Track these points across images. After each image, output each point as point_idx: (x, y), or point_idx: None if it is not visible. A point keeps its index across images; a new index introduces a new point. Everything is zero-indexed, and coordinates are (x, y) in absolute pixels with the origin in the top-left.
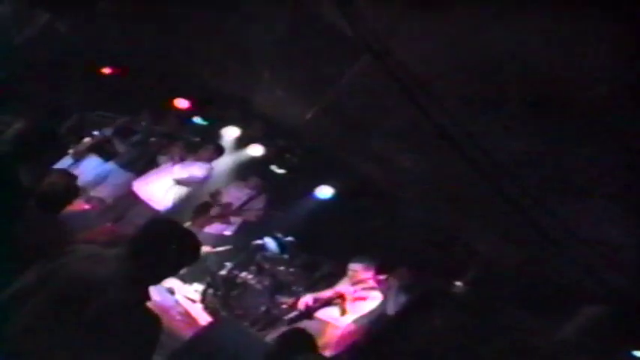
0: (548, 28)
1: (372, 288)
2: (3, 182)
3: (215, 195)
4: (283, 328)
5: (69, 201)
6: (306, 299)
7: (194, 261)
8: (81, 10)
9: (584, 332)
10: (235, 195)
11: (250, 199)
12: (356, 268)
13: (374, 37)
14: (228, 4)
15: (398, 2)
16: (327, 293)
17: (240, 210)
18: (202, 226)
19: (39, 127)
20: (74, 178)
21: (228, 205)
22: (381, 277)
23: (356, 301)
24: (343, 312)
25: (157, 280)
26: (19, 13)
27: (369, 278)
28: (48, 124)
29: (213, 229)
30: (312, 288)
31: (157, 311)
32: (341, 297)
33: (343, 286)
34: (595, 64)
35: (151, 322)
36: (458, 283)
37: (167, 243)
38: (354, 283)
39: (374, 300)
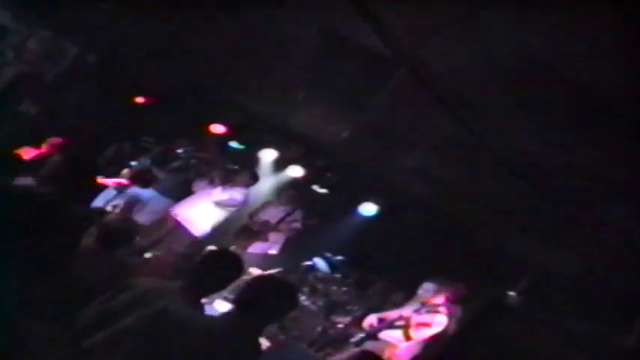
0: (583, 34)
1: (438, 312)
2: (55, 219)
3: (253, 215)
4: (347, 349)
5: (131, 239)
6: (371, 319)
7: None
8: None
9: None
10: (272, 213)
11: (287, 214)
12: (428, 289)
13: (406, 51)
14: (258, 27)
15: (428, 15)
16: (391, 314)
17: (277, 225)
18: (245, 248)
19: (78, 159)
20: (132, 218)
21: (266, 222)
22: (451, 302)
23: (420, 327)
24: (408, 338)
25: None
26: (49, 48)
27: (438, 303)
28: (86, 154)
29: (257, 248)
30: (366, 306)
31: None
32: (406, 322)
33: (407, 309)
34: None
35: None
36: (511, 293)
37: (223, 272)
38: (423, 304)
39: (438, 325)
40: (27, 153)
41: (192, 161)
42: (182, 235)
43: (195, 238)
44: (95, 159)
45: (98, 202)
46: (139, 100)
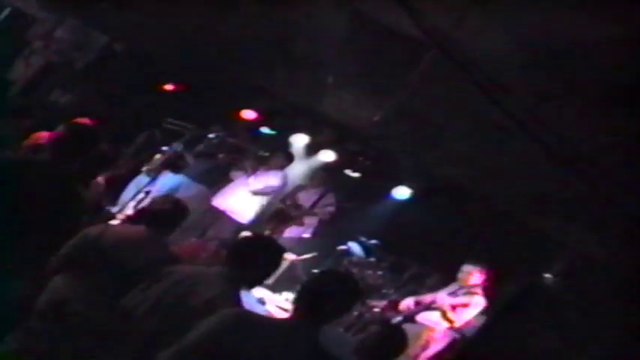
0: (616, 19)
1: (475, 293)
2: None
3: (286, 199)
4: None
5: (181, 221)
6: (408, 303)
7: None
8: None
9: None
10: (305, 197)
11: (319, 197)
12: (466, 271)
13: (439, 34)
14: (288, 12)
15: None
16: (428, 298)
17: (311, 209)
18: (281, 232)
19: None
20: (181, 201)
21: (300, 206)
22: (489, 282)
23: (459, 308)
24: (448, 321)
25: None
26: (77, 38)
27: (476, 284)
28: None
29: (292, 232)
30: (402, 290)
31: None
32: (443, 306)
33: (443, 293)
34: None
35: None
36: (548, 276)
37: (264, 257)
38: (460, 287)
39: (477, 306)
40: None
41: (224, 146)
42: (227, 223)
43: (241, 225)
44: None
45: (130, 190)
46: (169, 87)
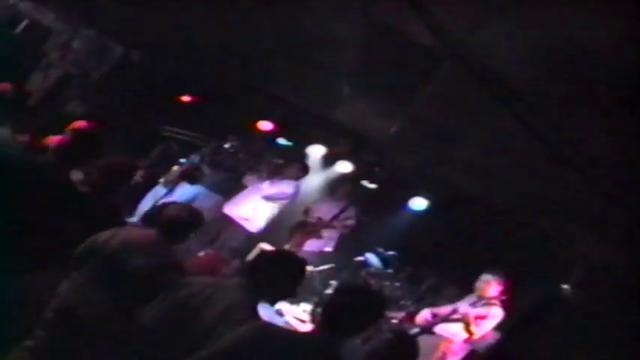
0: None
1: (493, 304)
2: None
3: (307, 212)
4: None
5: (195, 230)
6: (425, 314)
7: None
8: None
9: None
10: (326, 210)
11: (341, 211)
12: (485, 281)
13: (454, 43)
14: (304, 21)
15: (475, 6)
16: (445, 309)
17: (332, 222)
18: (300, 245)
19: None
20: (196, 209)
21: (319, 219)
22: (506, 293)
23: (478, 319)
24: (470, 333)
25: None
26: (93, 48)
27: (493, 295)
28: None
29: (312, 246)
30: (420, 301)
31: None
32: (464, 317)
33: (462, 304)
34: None
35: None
36: (565, 286)
37: (283, 272)
38: (479, 297)
39: (495, 318)
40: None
41: (240, 156)
42: (236, 232)
43: (250, 233)
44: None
45: (148, 200)
46: (185, 98)
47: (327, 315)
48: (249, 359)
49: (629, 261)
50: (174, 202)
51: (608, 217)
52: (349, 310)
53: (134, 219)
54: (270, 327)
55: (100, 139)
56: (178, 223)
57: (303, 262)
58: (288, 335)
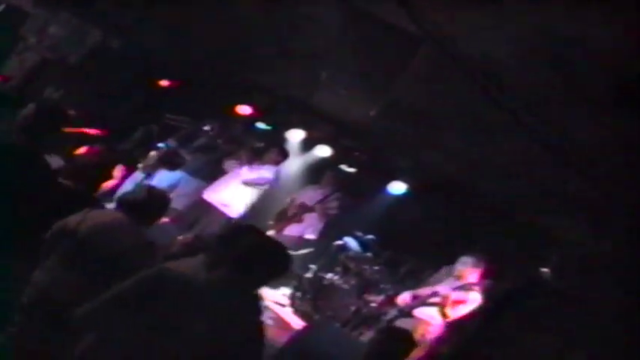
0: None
1: (471, 289)
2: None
3: (293, 199)
4: (380, 327)
5: (158, 212)
6: (404, 297)
7: (285, 272)
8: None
9: None
10: (310, 196)
11: (326, 197)
12: (466, 266)
13: (434, 27)
14: (282, 7)
15: None
16: (424, 292)
17: (312, 206)
18: (281, 230)
19: (43, 107)
20: (165, 193)
21: (302, 204)
22: (485, 277)
23: (455, 304)
24: (444, 316)
25: (254, 288)
26: (71, 33)
27: (472, 279)
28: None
29: (293, 230)
30: (399, 285)
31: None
32: (442, 300)
33: (441, 287)
34: None
35: (256, 327)
36: (544, 270)
37: (258, 253)
38: (457, 280)
39: (473, 303)
40: None
41: (219, 140)
42: (216, 217)
43: (230, 219)
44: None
45: (126, 187)
46: (164, 83)
47: (233, 257)
48: (151, 302)
49: (609, 245)
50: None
51: (588, 201)
52: (256, 254)
53: (113, 205)
54: (171, 270)
55: (63, 112)
56: (139, 205)
57: (284, 250)
58: (191, 278)
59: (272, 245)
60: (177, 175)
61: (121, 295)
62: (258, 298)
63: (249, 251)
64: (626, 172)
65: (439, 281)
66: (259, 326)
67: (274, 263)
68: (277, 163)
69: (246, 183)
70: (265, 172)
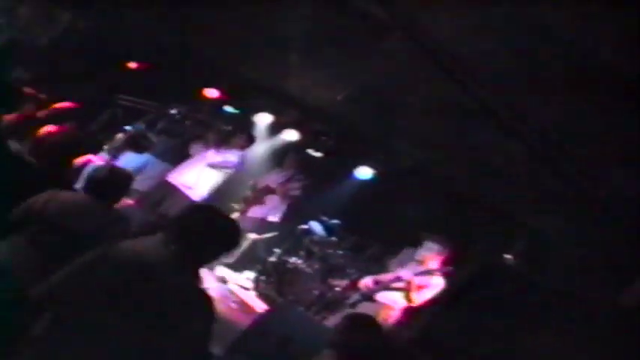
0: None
1: (434, 274)
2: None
3: (257, 182)
4: (343, 312)
5: (120, 190)
6: (367, 281)
7: (236, 246)
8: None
9: None
10: (273, 179)
11: (287, 179)
12: (427, 248)
13: (403, 14)
14: None
15: None
16: (387, 277)
17: (274, 188)
18: (245, 212)
19: None
20: (127, 172)
21: (265, 187)
22: (447, 264)
23: (419, 289)
24: (409, 301)
25: (202, 264)
26: (40, 14)
27: (435, 264)
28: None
29: (256, 212)
30: (363, 269)
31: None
32: (407, 285)
33: (404, 272)
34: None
35: (205, 303)
36: (508, 256)
37: (207, 228)
38: (420, 265)
39: (436, 287)
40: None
41: (187, 122)
42: (179, 200)
43: (193, 202)
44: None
45: (91, 168)
46: (132, 65)
47: (183, 234)
48: (101, 280)
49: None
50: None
51: (556, 189)
52: (205, 229)
53: (78, 186)
54: (120, 248)
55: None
56: (99, 183)
57: (238, 227)
58: (142, 256)
59: (220, 219)
60: (144, 157)
61: (71, 273)
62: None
63: (198, 227)
64: (592, 163)
65: (402, 265)
66: (209, 302)
67: (223, 237)
68: (243, 148)
69: (212, 166)
70: (231, 156)
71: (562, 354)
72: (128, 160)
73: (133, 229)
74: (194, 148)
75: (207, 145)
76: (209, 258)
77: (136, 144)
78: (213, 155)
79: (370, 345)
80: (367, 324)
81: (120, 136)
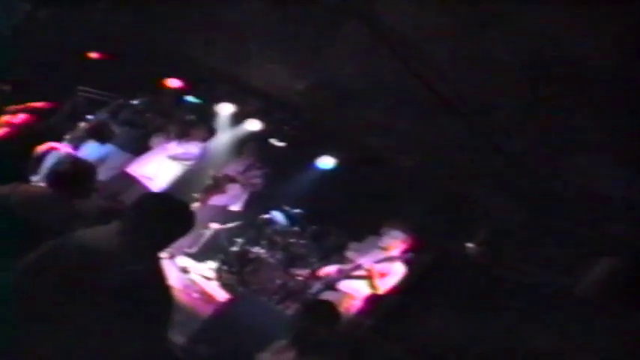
0: None
1: (396, 261)
2: None
3: (218, 170)
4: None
5: (84, 182)
6: (329, 271)
7: (190, 229)
8: None
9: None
10: (234, 168)
11: (247, 167)
12: (389, 236)
13: (362, 3)
14: None
15: None
16: (349, 266)
17: (235, 177)
18: (205, 201)
19: None
20: (91, 165)
21: (226, 176)
22: (409, 251)
23: (381, 276)
24: (374, 289)
25: (158, 249)
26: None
27: (397, 252)
28: None
29: (216, 201)
30: (325, 258)
31: (174, 291)
32: (368, 273)
33: (366, 260)
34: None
35: (163, 292)
36: (470, 245)
37: (161, 213)
38: (382, 252)
39: (397, 274)
40: None
41: (149, 114)
42: (139, 191)
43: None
44: None
45: (52, 158)
46: (93, 55)
47: (137, 221)
48: (58, 270)
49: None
50: (67, 158)
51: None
52: (157, 214)
53: (37, 177)
54: (76, 238)
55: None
56: (63, 176)
57: (190, 210)
58: (98, 245)
59: (172, 203)
60: (106, 148)
61: (29, 264)
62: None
63: (151, 212)
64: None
65: (364, 254)
66: (167, 289)
67: (176, 220)
68: (204, 139)
69: (173, 158)
70: (192, 148)
71: (522, 338)
72: (90, 150)
73: (90, 219)
74: (155, 139)
75: (169, 137)
76: (164, 243)
77: (98, 134)
78: (174, 147)
79: (326, 332)
80: (324, 311)
81: (82, 125)
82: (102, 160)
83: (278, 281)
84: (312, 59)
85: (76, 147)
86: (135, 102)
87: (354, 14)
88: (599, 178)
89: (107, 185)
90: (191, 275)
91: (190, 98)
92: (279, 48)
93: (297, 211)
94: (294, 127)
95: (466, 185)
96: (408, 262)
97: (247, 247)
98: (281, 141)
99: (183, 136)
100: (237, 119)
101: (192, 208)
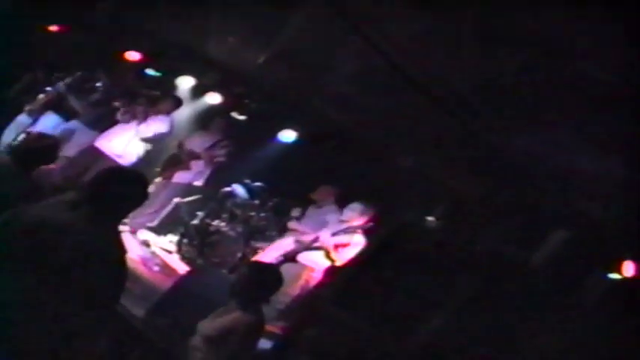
0: None
1: (356, 232)
2: None
3: (180, 146)
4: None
5: (46, 161)
6: (289, 242)
7: (144, 199)
8: None
9: (557, 257)
10: (198, 143)
11: (214, 144)
12: (352, 211)
13: None
14: None
15: None
16: (308, 237)
17: (200, 153)
18: (170, 178)
19: None
20: (55, 140)
21: (191, 152)
22: (371, 222)
23: (340, 248)
24: (330, 260)
25: (115, 220)
26: None
27: (357, 224)
28: None
29: (181, 178)
30: (285, 231)
31: (134, 264)
32: (325, 245)
33: (325, 232)
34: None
35: (116, 260)
36: (430, 218)
37: (115, 184)
38: (342, 224)
39: (357, 245)
40: None
41: (112, 93)
42: (107, 165)
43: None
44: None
45: (11, 130)
46: (52, 28)
47: (90, 194)
48: (7, 246)
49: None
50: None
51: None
52: (109, 185)
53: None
54: (25, 212)
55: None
56: (31, 152)
57: (144, 180)
58: (48, 219)
59: (125, 173)
60: (72, 124)
61: None
62: (118, 233)
63: (105, 184)
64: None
65: (324, 226)
66: (122, 260)
67: (130, 190)
68: (170, 112)
69: (145, 140)
70: (160, 126)
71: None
72: (49, 122)
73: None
74: (122, 115)
75: (135, 113)
76: (118, 214)
77: (57, 105)
78: (144, 128)
79: (267, 295)
80: (267, 275)
81: (41, 97)
82: (68, 136)
83: (238, 254)
84: (273, 32)
85: (35, 119)
86: (98, 84)
87: None
88: (562, 152)
89: (75, 160)
90: (152, 248)
91: (150, 71)
92: (240, 21)
93: (257, 184)
94: (255, 100)
95: (426, 158)
96: (367, 233)
97: (208, 221)
98: (242, 114)
99: (148, 111)
100: (197, 92)
101: (148, 179)
